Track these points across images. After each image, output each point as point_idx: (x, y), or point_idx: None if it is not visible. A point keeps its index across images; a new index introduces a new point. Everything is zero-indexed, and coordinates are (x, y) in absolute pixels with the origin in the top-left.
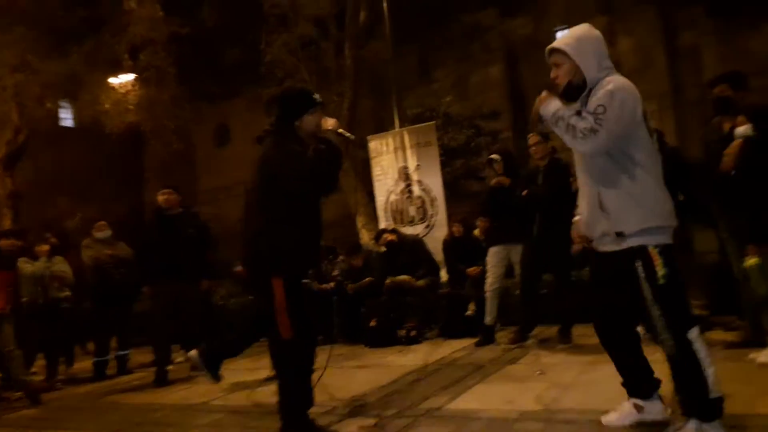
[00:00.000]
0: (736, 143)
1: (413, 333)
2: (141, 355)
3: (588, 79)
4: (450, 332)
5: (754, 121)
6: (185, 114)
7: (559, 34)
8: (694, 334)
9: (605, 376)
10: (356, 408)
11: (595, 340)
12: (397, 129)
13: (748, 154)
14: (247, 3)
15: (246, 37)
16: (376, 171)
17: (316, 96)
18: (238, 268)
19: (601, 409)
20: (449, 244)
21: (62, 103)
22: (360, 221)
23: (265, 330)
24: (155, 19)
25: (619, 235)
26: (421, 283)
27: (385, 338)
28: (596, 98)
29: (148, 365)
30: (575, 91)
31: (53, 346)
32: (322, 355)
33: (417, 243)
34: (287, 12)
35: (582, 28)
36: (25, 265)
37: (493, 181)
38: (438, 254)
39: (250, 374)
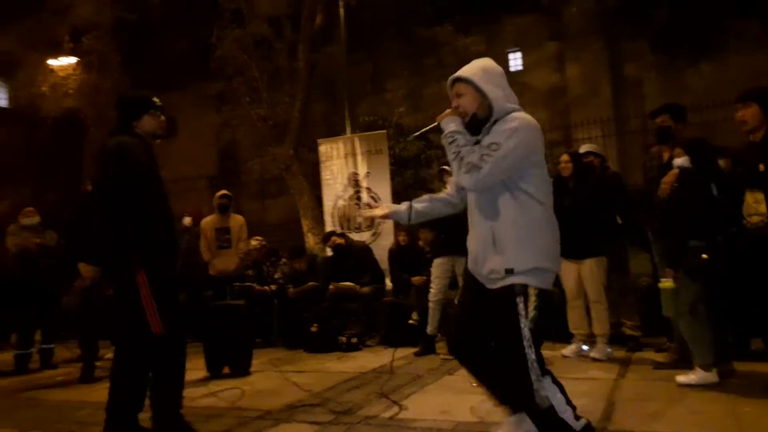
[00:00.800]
0: (673, 172)
1: (354, 340)
2: (67, 350)
3: (496, 109)
4: (391, 340)
5: (691, 153)
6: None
7: (511, 56)
8: (548, 381)
9: None
10: (291, 413)
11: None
12: (348, 135)
13: (682, 184)
14: None
15: (197, 29)
16: (326, 175)
17: (156, 99)
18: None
19: None
20: (395, 253)
21: None
22: (306, 225)
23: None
24: (101, 2)
25: (508, 272)
26: (366, 290)
27: (325, 344)
28: (497, 133)
29: (74, 360)
30: (479, 123)
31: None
32: (260, 358)
33: (364, 250)
34: (242, 7)
35: (486, 61)
36: None
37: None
38: (383, 262)
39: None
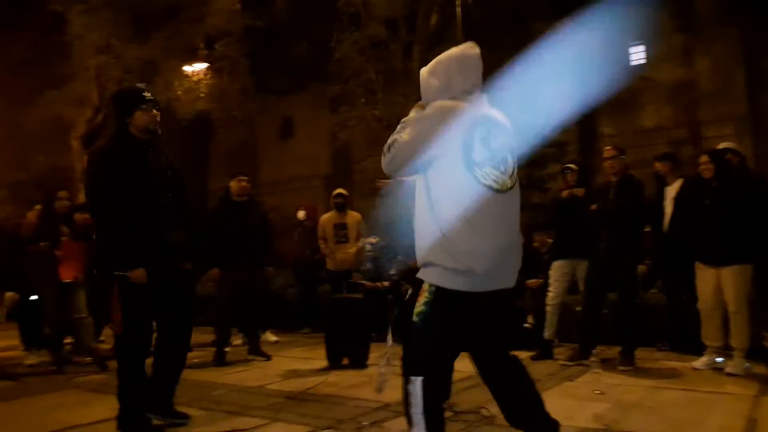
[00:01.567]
0: None
1: None
2: (199, 335)
3: (424, 100)
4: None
5: None
6: (253, 106)
7: (633, 50)
8: (416, 384)
9: (670, 401)
10: None
11: (659, 364)
12: None
13: None
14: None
15: (317, 33)
16: None
17: (147, 94)
18: None
19: None
20: None
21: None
22: None
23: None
24: (232, 10)
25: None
26: None
27: None
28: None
29: (207, 345)
30: None
31: None
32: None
33: None
34: (360, 11)
35: (451, 50)
36: None
37: (565, 193)
38: None
39: (305, 363)
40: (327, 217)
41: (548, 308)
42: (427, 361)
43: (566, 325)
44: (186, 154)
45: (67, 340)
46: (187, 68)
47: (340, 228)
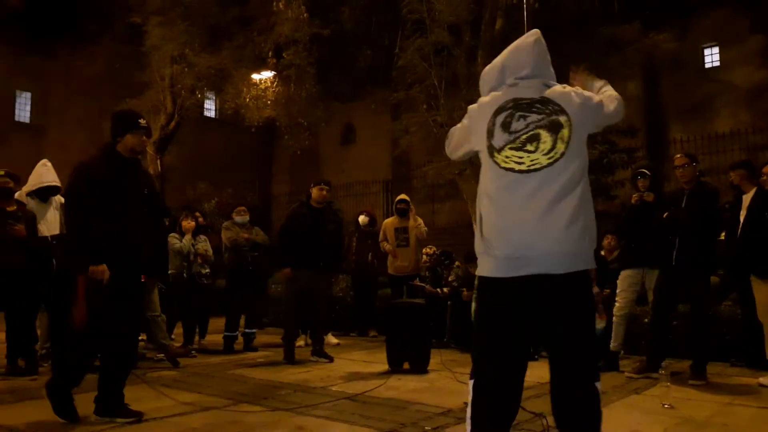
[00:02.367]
0: None
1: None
2: (265, 336)
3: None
4: None
5: None
6: (318, 112)
7: (707, 52)
8: (469, 385)
9: (745, 419)
10: None
11: (732, 380)
12: None
13: None
14: (385, 7)
15: (381, 40)
16: None
17: (142, 121)
18: None
19: None
20: None
21: (208, 95)
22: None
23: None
24: (300, 20)
25: None
26: None
27: None
28: None
29: (272, 345)
30: None
31: (191, 317)
32: (434, 358)
33: None
34: (424, 17)
35: (517, 41)
36: (174, 241)
37: (635, 198)
38: None
39: (366, 366)
40: (389, 222)
41: (615, 319)
42: (476, 361)
43: (634, 336)
44: (252, 159)
45: (141, 338)
46: (256, 76)
47: (402, 232)
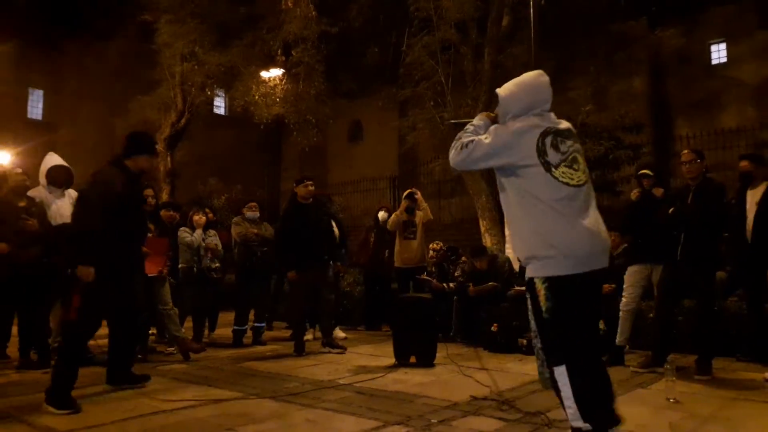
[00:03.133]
0: None
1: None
2: (273, 330)
3: (503, 115)
4: None
5: None
6: (326, 110)
7: (714, 48)
8: (559, 371)
9: (750, 413)
10: (477, 407)
11: (738, 375)
12: None
13: None
14: (392, 5)
15: (388, 38)
16: None
17: (156, 144)
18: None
19: None
20: None
21: (218, 92)
22: (483, 225)
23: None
24: (308, 18)
25: (522, 261)
26: None
27: (505, 344)
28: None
29: (280, 339)
30: None
31: (201, 311)
32: (440, 352)
33: None
34: (431, 15)
35: (524, 76)
36: (185, 235)
37: (634, 194)
38: None
39: (373, 360)
40: (393, 218)
41: (621, 314)
42: (565, 348)
43: (639, 331)
44: (261, 156)
45: (151, 331)
46: (265, 74)
47: (410, 225)
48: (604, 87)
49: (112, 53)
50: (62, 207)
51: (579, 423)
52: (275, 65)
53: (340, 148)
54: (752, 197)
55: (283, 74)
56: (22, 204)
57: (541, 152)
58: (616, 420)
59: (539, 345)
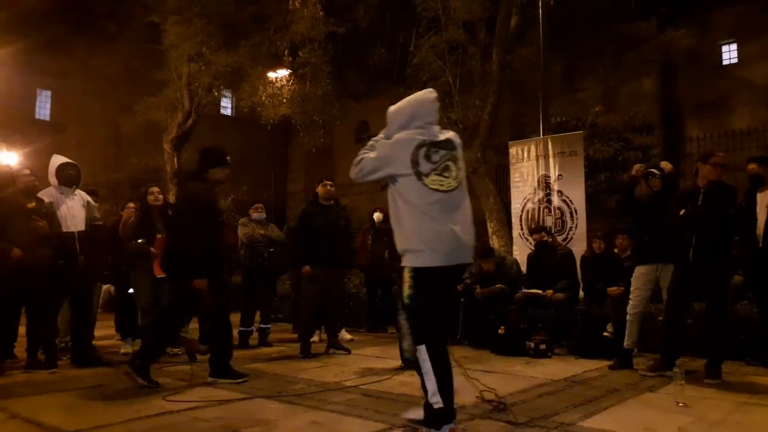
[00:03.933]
0: None
1: (542, 346)
2: (279, 332)
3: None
4: (582, 351)
5: None
6: (333, 110)
7: (725, 48)
8: (420, 350)
9: (759, 418)
10: (484, 410)
11: (748, 379)
12: (540, 136)
13: None
14: (399, 5)
15: (396, 38)
16: (515, 177)
17: (228, 157)
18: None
19: None
20: (589, 261)
21: (225, 93)
22: (491, 227)
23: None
24: (316, 18)
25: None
26: (560, 296)
27: (512, 347)
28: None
29: (286, 341)
30: None
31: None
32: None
33: (567, 254)
34: (439, 15)
35: (417, 93)
36: None
37: (634, 170)
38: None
39: (379, 362)
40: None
41: (629, 317)
42: (424, 330)
43: (648, 334)
44: (267, 157)
45: None
46: (272, 74)
47: None
48: (614, 88)
49: (119, 54)
50: (73, 207)
51: (436, 398)
52: (282, 66)
53: (347, 149)
54: (762, 200)
55: (290, 75)
56: (31, 205)
57: (415, 163)
58: (453, 415)
59: (406, 325)
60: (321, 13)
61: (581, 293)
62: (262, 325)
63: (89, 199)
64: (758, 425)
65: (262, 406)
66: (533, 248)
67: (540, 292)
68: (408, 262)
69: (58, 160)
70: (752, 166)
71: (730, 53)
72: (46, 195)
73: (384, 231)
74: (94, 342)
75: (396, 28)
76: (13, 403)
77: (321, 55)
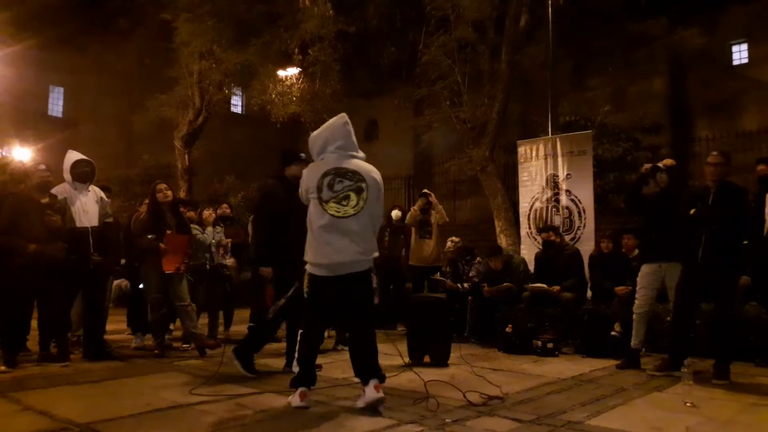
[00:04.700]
0: None
1: (550, 345)
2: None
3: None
4: (589, 350)
5: None
6: (342, 109)
7: (735, 48)
8: (301, 332)
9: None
10: (492, 408)
11: (757, 380)
12: (549, 135)
13: None
14: (409, 4)
15: (405, 37)
16: (523, 176)
17: (303, 154)
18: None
19: None
20: (597, 260)
21: (235, 91)
22: (499, 226)
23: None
24: (326, 17)
25: None
26: (568, 295)
27: (520, 346)
28: None
29: None
30: None
31: (215, 307)
32: (454, 352)
33: (574, 254)
34: (448, 14)
35: (331, 119)
36: (195, 232)
37: (645, 168)
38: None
39: (387, 359)
40: (411, 212)
41: (635, 317)
42: (307, 320)
43: (656, 335)
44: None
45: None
46: (282, 72)
47: (425, 224)
48: (623, 87)
49: (131, 51)
50: (87, 203)
51: (297, 367)
52: (292, 64)
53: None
54: None
55: (300, 73)
56: (45, 200)
57: (319, 189)
58: (307, 382)
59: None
60: (331, 12)
61: (589, 292)
62: None
63: (103, 195)
64: (766, 426)
65: (271, 401)
66: (541, 247)
67: (544, 286)
68: (308, 267)
69: (73, 156)
70: (762, 168)
71: (740, 53)
72: (60, 191)
73: (401, 229)
74: (105, 336)
75: (405, 26)
76: (27, 395)
77: (331, 54)
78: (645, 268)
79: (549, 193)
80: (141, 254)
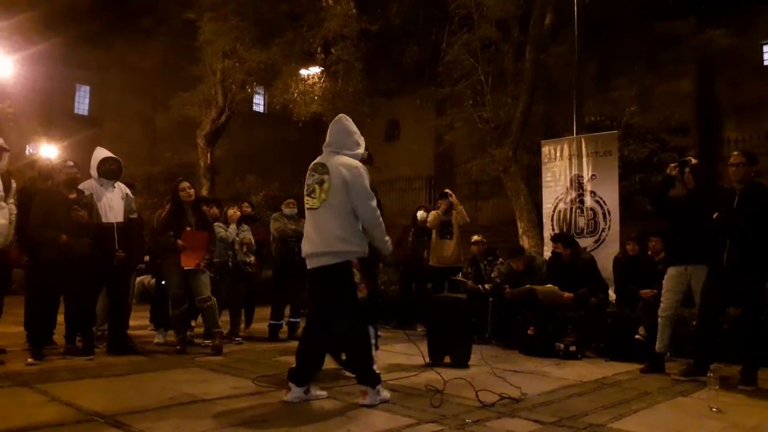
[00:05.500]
0: None
1: (572, 348)
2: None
3: None
4: (613, 354)
5: None
6: (364, 108)
7: (766, 48)
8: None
9: None
10: (513, 409)
11: None
12: (574, 135)
13: None
14: (432, 3)
15: (428, 36)
16: (547, 177)
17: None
18: None
19: None
20: (621, 263)
21: (258, 90)
22: (521, 227)
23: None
24: (348, 15)
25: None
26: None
27: (542, 348)
28: None
29: None
30: None
31: (237, 304)
32: (475, 353)
33: (590, 262)
34: (472, 13)
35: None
36: (219, 230)
37: (668, 169)
38: (605, 271)
39: (407, 359)
40: (434, 215)
41: (660, 320)
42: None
43: (682, 339)
44: (298, 153)
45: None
46: (304, 72)
47: (447, 225)
48: (649, 88)
49: (155, 50)
50: (112, 199)
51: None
52: (314, 63)
53: (377, 147)
54: None
55: (322, 72)
56: (72, 196)
57: (305, 184)
58: (302, 380)
59: None
60: (354, 11)
61: (612, 295)
62: (291, 319)
63: (128, 191)
64: None
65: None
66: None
67: (556, 288)
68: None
69: (101, 153)
70: None
71: None
72: (86, 186)
73: (425, 230)
74: (128, 332)
75: (428, 25)
76: (54, 387)
77: (353, 53)
78: (671, 271)
79: (573, 194)
80: (162, 251)
